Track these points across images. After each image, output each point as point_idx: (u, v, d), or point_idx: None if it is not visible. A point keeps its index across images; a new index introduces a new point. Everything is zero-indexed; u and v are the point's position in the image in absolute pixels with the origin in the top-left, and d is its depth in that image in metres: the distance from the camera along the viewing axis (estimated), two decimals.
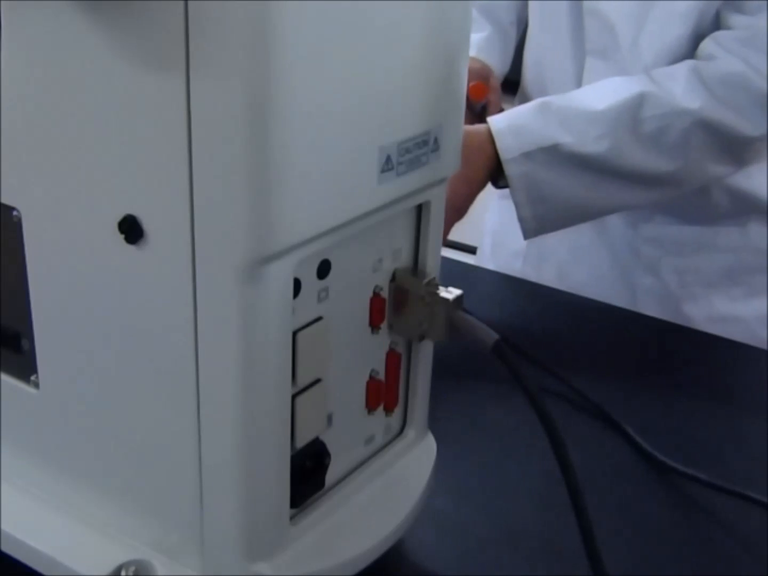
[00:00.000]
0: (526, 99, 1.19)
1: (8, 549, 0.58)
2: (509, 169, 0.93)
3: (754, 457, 0.78)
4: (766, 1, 0.93)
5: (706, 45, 0.97)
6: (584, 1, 1.07)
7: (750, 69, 0.93)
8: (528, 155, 0.93)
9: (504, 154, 0.93)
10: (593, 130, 0.93)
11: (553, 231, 0.98)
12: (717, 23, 0.99)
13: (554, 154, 0.93)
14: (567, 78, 1.12)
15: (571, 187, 0.94)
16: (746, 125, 0.94)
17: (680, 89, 0.93)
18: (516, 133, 0.93)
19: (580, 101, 0.95)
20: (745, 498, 0.70)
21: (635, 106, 0.93)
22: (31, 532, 0.58)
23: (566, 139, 0.93)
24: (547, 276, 1.13)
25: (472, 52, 1.16)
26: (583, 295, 1.04)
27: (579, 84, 1.10)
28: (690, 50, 1.01)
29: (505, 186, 0.96)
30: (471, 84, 1.08)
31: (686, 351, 0.95)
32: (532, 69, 1.18)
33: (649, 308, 1.07)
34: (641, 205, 1.02)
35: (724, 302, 1.10)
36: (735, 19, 0.96)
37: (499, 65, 1.20)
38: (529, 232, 0.97)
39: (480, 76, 1.11)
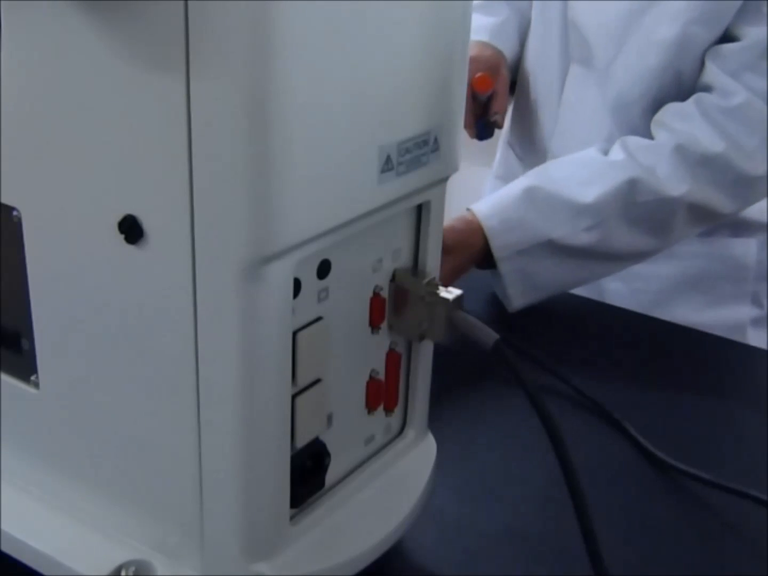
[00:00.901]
0: (522, 96, 1.19)
1: (8, 549, 0.58)
2: (503, 267, 0.95)
3: (754, 455, 0.78)
4: (745, 63, 0.95)
5: (688, 107, 0.97)
6: (569, 1, 1.07)
7: (731, 147, 0.95)
8: (521, 252, 0.95)
9: (498, 253, 0.95)
10: (583, 222, 0.95)
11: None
12: (701, 61, 0.99)
13: (546, 249, 0.95)
14: (553, 79, 1.12)
15: (562, 273, 0.98)
16: (727, 204, 0.98)
17: (665, 173, 0.95)
18: (508, 230, 0.94)
19: (566, 188, 0.95)
20: (745, 496, 0.70)
21: (623, 195, 0.95)
22: (31, 532, 0.58)
23: (558, 233, 0.95)
24: None
25: (486, 37, 1.15)
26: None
27: (561, 88, 1.10)
28: (667, 80, 1.01)
29: (490, 268, 0.97)
30: (477, 75, 1.06)
31: (685, 349, 0.95)
32: (528, 62, 1.18)
33: None
34: (622, 270, 1.05)
35: (688, 310, 1.11)
36: (715, 74, 0.97)
37: (514, 50, 1.19)
38: (515, 309, 0.98)
39: (489, 65, 1.10)
